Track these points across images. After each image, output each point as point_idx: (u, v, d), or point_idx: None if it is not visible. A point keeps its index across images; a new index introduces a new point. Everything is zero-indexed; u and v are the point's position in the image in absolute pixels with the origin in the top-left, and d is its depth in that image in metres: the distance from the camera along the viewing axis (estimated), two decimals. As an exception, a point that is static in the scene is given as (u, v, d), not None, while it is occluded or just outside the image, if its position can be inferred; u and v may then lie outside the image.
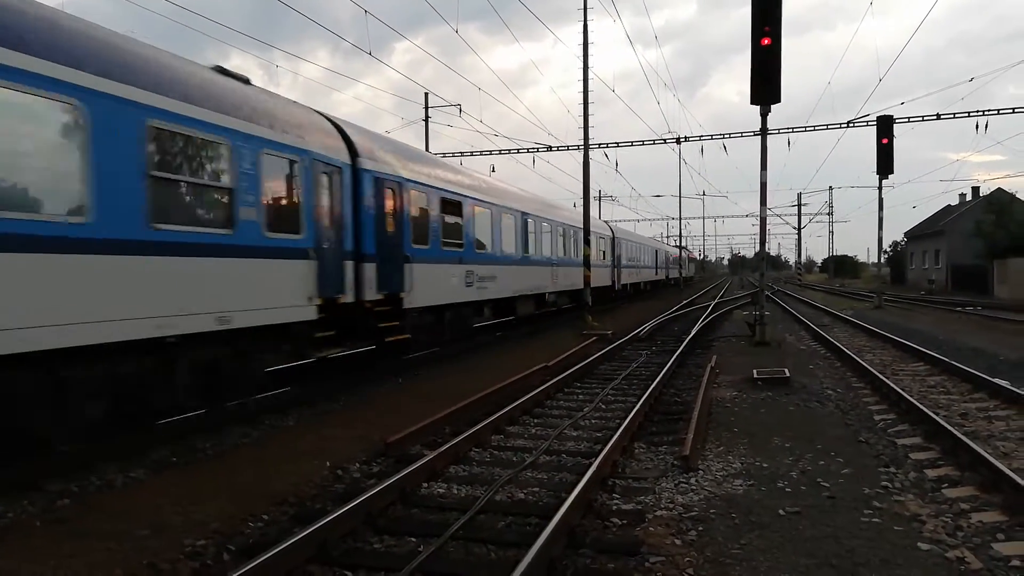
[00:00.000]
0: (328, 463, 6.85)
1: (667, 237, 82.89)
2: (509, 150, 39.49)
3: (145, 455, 7.12)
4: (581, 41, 22.69)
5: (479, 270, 15.71)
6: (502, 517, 5.43)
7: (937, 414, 8.37)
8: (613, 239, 32.83)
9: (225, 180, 8.08)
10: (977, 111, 31.36)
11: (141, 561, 4.57)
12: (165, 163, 7.30)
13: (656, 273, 49.72)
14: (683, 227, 66.06)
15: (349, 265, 10.58)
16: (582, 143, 23.60)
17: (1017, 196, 53.83)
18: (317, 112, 11.06)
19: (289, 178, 9.37)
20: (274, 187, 9.03)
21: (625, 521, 5.32)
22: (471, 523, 5.20)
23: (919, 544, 4.86)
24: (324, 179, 10.05)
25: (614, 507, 5.66)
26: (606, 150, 38.15)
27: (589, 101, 22.98)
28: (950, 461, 6.79)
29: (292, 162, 9.34)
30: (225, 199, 8.11)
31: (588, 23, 22.55)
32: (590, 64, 22.77)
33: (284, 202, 9.29)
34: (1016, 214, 50.36)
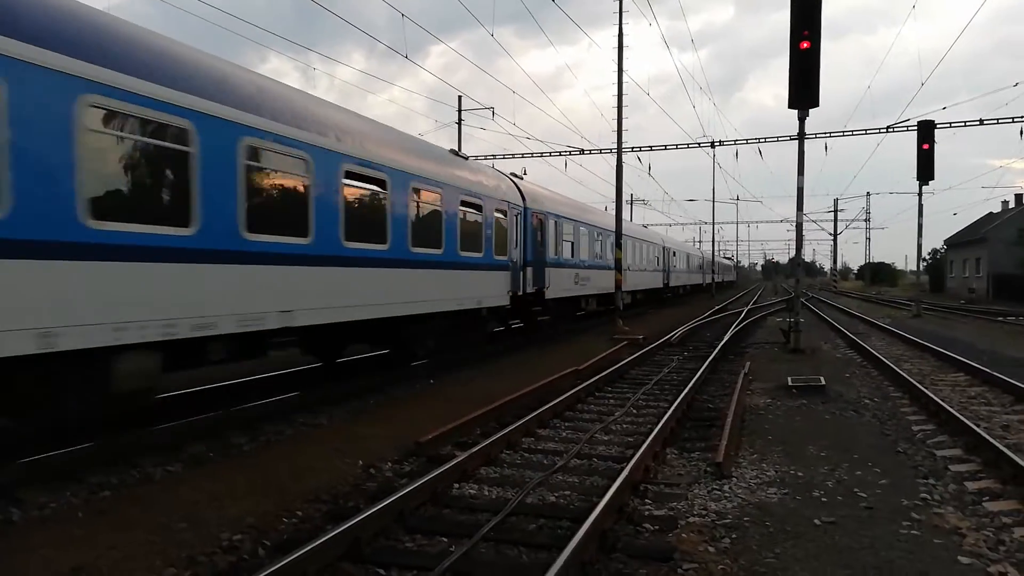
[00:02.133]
0: (360, 461, 6.91)
1: (699, 242, 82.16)
2: (541, 153, 39.51)
3: (182, 449, 7.25)
4: (616, 44, 22.62)
5: (583, 273, 21.69)
6: (533, 519, 5.42)
7: (978, 425, 8.18)
8: (663, 247, 37.57)
9: (488, 229, 14.12)
10: (1021, 116, 30.58)
11: (180, 554, 4.66)
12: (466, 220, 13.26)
13: (701, 278, 54.49)
14: (716, 232, 65.48)
15: (522, 272, 16.32)
16: (615, 146, 23.50)
17: (1063, 204, 52.41)
18: (506, 175, 17.22)
19: (505, 221, 15.29)
20: (500, 228, 14.92)
21: (658, 527, 5.28)
22: (502, 524, 5.20)
23: (959, 558, 4.76)
24: (514, 220, 15.88)
25: (646, 512, 5.63)
26: (639, 153, 38.03)
27: (623, 104, 22.89)
28: (991, 474, 6.63)
29: (506, 212, 15.21)
30: (483, 236, 13.97)
31: (623, 26, 22.48)
32: (625, 67, 22.68)
33: (503, 236, 15.15)
34: (1061, 222, 48.97)
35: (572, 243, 20.56)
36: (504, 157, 41.04)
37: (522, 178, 18.84)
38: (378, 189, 10.22)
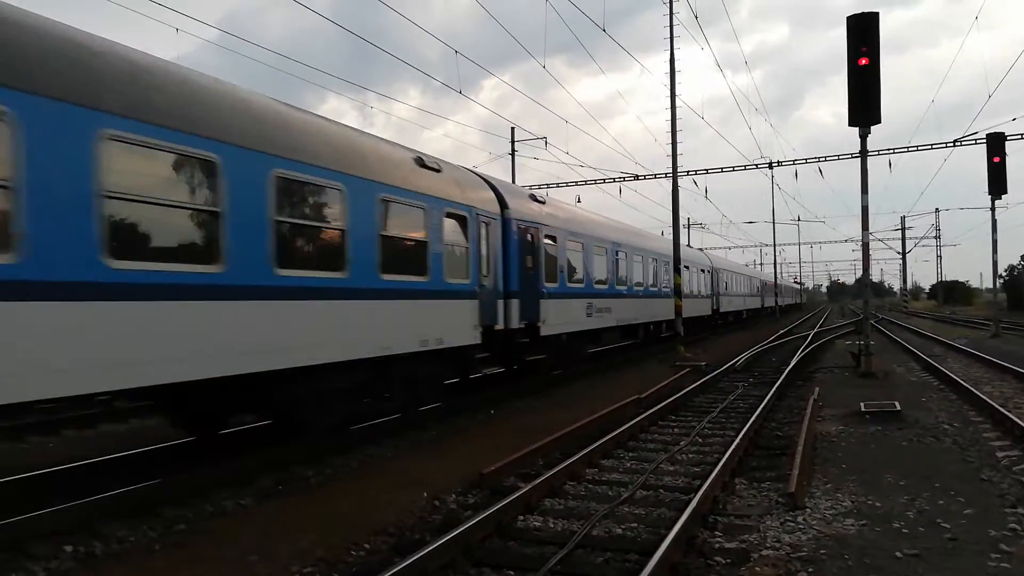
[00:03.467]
0: (425, 493, 6.93)
1: (760, 264, 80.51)
2: (595, 180, 39.57)
3: (252, 483, 7.41)
4: (668, 70, 22.61)
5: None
6: (600, 552, 5.34)
7: (1070, 451, 7.73)
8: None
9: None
10: (1100, 124, 29.23)
11: (252, 586, 4.74)
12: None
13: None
14: (778, 254, 64.07)
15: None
16: (670, 171, 23.37)
17: None
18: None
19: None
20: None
21: (729, 560, 5.13)
22: (569, 557, 5.14)
23: (1057, 593, 4.48)
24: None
25: (717, 545, 5.48)
26: (695, 177, 37.67)
27: (677, 129, 22.79)
28: (1087, 503, 6.24)
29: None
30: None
31: (675, 51, 22.48)
32: (677, 92, 22.62)
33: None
34: None
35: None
36: (559, 186, 41.20)
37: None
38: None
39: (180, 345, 6.39)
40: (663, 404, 11.52)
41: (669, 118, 22.73)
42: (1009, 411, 10.30)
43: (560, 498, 6.82)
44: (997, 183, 25.50)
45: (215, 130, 6.91)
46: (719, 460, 7.49)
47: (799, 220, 71.06)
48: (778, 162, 37.70)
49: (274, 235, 7.49)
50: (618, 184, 38.68)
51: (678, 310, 22.45)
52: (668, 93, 22.64)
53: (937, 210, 72.54)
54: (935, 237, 73.04)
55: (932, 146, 33.20)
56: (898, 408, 10.91)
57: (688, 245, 37.32)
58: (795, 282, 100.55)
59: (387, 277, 9.30)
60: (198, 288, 6.63)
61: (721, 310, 35.10)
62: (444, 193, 10.86)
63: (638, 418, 10.18)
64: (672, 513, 6.06)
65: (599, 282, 17.82)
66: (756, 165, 37.40)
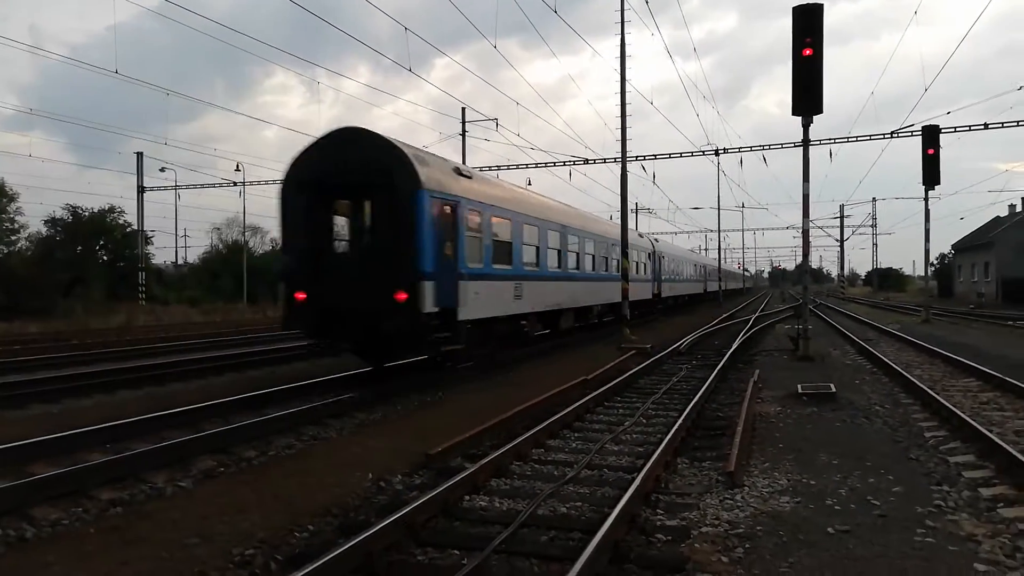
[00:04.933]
0: (370, 475, 6.90)
1: (705, 250, 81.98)
2: (546, 163, 39.62)
3: (192, 464, 7.26)
4: (619, 55, 22.69)
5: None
6: (545, 531, 5.40)
7: (991, 431, 8.11)
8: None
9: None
10: (1027, 120, 30.53)
11: (192, 569, 4.66)
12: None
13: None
14: (722, 239, 65.32)
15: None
16: (619, 156, 23.54)
17: (1070, 207, 52.21)
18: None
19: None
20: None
21: (670, 537, 5.25)
22: (514, 537, 5.18)
23: (976, 565, 4.71)
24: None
25: (658, 523, 5.60)
26: (643, 162, 38.06)
27: (627, 114, 22.94)
28: (1006, 480, 6.57)
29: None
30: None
31: (626, 36, 22.55)
32: (628, 77, 22.73)
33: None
34: (1069, 225, 48.77)
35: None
36: (508, 168, 41.11)
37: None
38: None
39: (511, 298, 15.11)
40: (609, 385, 11.68)
41: (619, 103, 22.87)
42: (937, 393, 10.76)
43: (507, 478, 6.87)
44: (931, 174, 26.41)
45: (513, 208, 15.68)
46: (662, 440, 7.64)
47: (743, 207, 72.53)
48: (724, 149, 38.35)
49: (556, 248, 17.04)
50: (568, 168, 38.85)
51: (625, 293, 22.71)
52: (619, 78, 22.74)
53: (874, 199, 74.96)
54: (872, 225, 75.52)
55: (871, 137, 34.25)
56: (833, 390, 11.29)
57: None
58: (741, 269, 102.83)
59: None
60: (509, 275, 15.03)
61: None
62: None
63: (584, 399, 10.29)
64: (616, 492, 6.16)
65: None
66: (703, 152, 37.97)
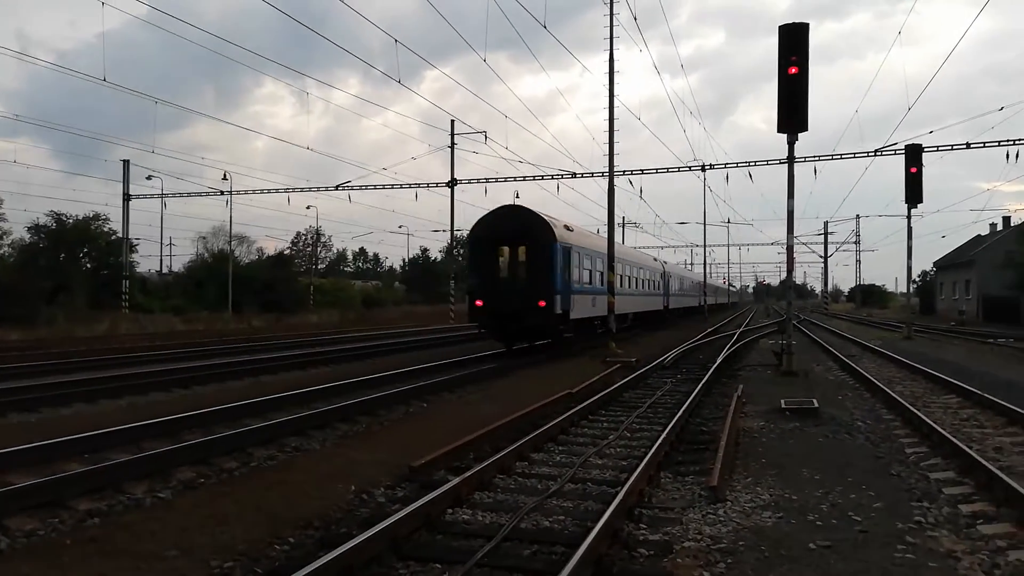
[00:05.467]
0: (353, 487, 6.86)
1: (690, 264, 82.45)
2: (534, 177, 39.76)
3: (172, 476, 7.19)
4: (607, 70, 22.86)
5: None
6: (528, 545, 5.38)
7: (971, 448, 8.18)
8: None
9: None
10: (1008, 140, 31.05)
11: (169, 582, 4.60)
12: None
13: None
14: (708, 254, 65.73)
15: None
16: (607, 170, 23.67)
17: (1049, 226, 52.91)
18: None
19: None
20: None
21: (652, 552, 5.25)
22: (496, 550, 5.16)
23: (955, 582, 4.74)
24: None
25: (641, 537, 5.60)
26: (631, 177, 38.29)
27: (615, 129, 23.10)
28: (985, 496, 6.62)
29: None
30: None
31: (614, 52, 22.76)
32: (616, 92, 22.91)
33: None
34: (1049, 244, 49.36)
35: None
36: (497, 181, 41.24)
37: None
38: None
39: (591, 306, 22.68)
40: (594, 399, 11.69)
41: (607, 118, 23.02)
42: (918, 409, 10.85)
43: (490, 491, 6.85)
44: (913, 192, 26.75)
45: (595, 247, 23.38)
46: (646, 454, 7.64)
47: (729, 222, 72.88)
48: (711, 165, 38.69)
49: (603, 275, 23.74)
50: (556, 181, 39.02)
51: (611, 307, 22.77)
52: (607, 93, 22.90)
53: (858, 216, 75.87)
54: (855, 242, 76.33)
55: (855, 155, 34.65)
56: (816, 405, 11.35)
57: (650, 255, 43.55)
58: (727, 284, 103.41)
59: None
60: (592, 291, 22.89)
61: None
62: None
63: (569, 412, 10.29)
64: (599, 506, 6.15)
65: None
66: (690, 167, 38.26)
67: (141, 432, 8.79)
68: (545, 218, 20.30)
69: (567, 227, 21.59)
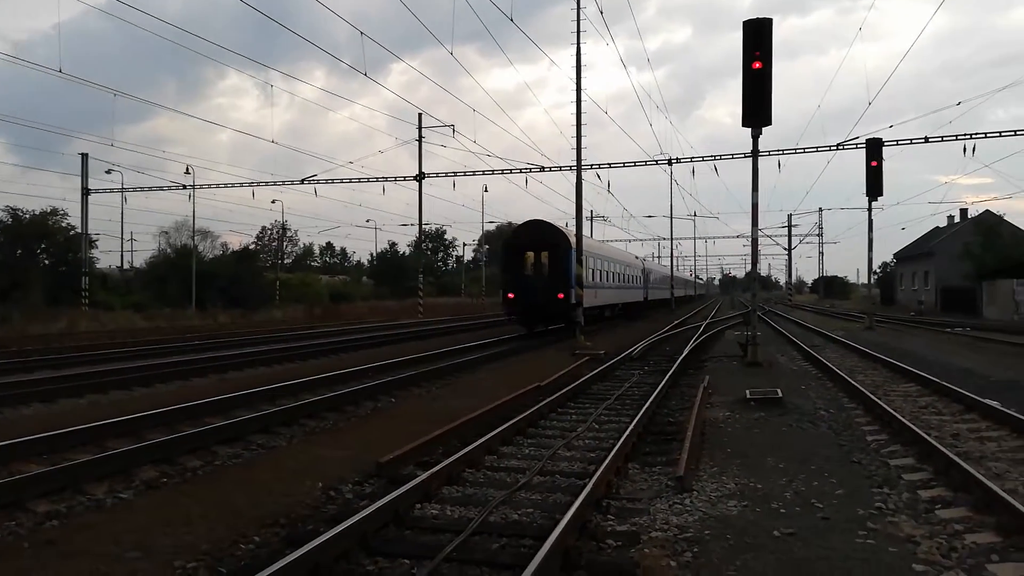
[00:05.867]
0: (320, 484, 6.80)
1: (658, 257, 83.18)
2: (502, 170, 39.73)
3: (134, 475, 7.05)
4: (574, 64, 22.89)
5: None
6: (496, 538, 5.38)
7: (929, 435, 8.38)
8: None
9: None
10: (965, 134, 31.79)
11: (131, 583, 4.51)
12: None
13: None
14: (674, 247, 66.33)
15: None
16: (575, 164, 23.72)
17: (1004, 218, 54.43)
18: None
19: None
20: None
21: (620, 542, 5.28)
22: (465, 545, 5.15)
23: (914, 566, 4.85)
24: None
25: (609, 528, 5.63)
26: (598, 171, 38.45)
27: (582, 123, 23.17)
28: (943, 482, 6.79)
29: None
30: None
31: (582, 46, 22.80)
32: (584, 86, 22.96)
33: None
34: (1003, 236, 50.79)
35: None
36: (465, 174, 41.09)
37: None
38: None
39: (594, 297, 27.72)
40: (562, 392, 11.73)
41: (575, 112, 23.05)
42: (879, 398, 11.08)
43: (459, 485, 6.84)
44: (874, 185, 27.26)
45: (599, 253, 31.22)
46: (614, 446, 7.69)
47: (695, 215, 73.45)
48: (677, 159, 39.04)
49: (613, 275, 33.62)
50: (524, 175, 39.03)
51: (580, 299, 22.88)
52: (575, 87, 22.94)
53: (821, 209, 77.17)
54: (818, 235, 77.68)
55: (818, 149, 35.18)
56: (780, 395, 11.54)
57: (614, 242, 50.63)
58: (696, 277, 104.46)
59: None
60: (600, 286, 30.17)
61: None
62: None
63: (537, 405, 10.32)
64: (567, 498, 6.18)
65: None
66: (656, 161, 38.53)
67: (102, 431, 8.60)
68: (563, 230, 26.32)
69: (577, 236, 26.07)
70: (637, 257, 49.11)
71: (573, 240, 23.64)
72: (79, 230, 43.57)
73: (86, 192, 43.02)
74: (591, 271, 27.39)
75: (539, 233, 25.97)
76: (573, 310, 23.20)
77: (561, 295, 24.27)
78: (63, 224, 44.62)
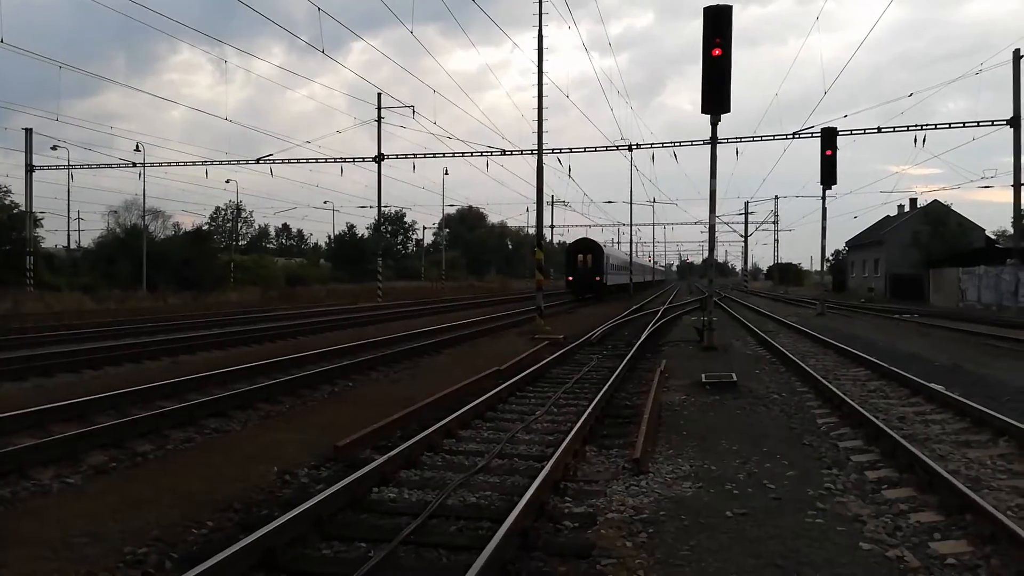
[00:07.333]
0: (275, 468, 6.71)
1: (617, 243, 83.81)
2: (463, 153, 39.49)
3: (82, 460, 6.87)
4: (536, 47, 22.81)
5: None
6: (454, 521, 5.39)
7: (877, 418, 8.62)
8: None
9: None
10: (916, 125, 32.59)
11: (79, 570, 4.40)
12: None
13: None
14: (634, 233, 66.95)
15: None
16: (536, 148, 23.69)
17: (952, 208, 56.06)
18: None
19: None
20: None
21: (577, 524, 5.33)
22: (422, 528, 5.14)
23: (861, 544, 4.99)
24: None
25: (566, 510, 5.68)
26: (559, 156, 38.50)
27: (544, 107, 23.15)
28: (889, 463, 7.00)
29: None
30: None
31: (544, 29, 22.77)
32: (546, 70, 22.94)
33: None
34: (951, 226, 52.36)
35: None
36: (425, 156, 40.76)
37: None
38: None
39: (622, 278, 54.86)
40: (522, 375, 11.76)
41: (536, 95, 22.99)
42: (829, 382, 11.36)
43: (417, 469, 6.81)
44: (829, 174, 27.78)
45: (620, 261, 57.33)
46: (571, 429, 7.74)
47: (654, 202, 74.03)
48: (637, 145, 39.27)
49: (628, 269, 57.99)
50: (485, 158, 38.86)
51: (540, 285, 22.94)
52: (536, 71, 22.86)
53: (776, 197, 78.31)
54: (774, 222, 78.91)
55: (774, 137, 35.70)
56: (735, 379, 11.74)
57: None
58: (658, 265, 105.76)
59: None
60: (619, 273, 55.08)
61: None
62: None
63: (496, 389, 10.33)
64: (525, 481, 6.20)
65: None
66: (617, 147, 38.72)
67: (48, 415, 8.34)
68: (600, 243, 48.04)
69: (606, 245, 47.46)
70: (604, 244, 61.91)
71: (605, 249, 47.51)
72: (23, 208, 42.11)
73: (30, 169, 41.53)
74: (613, 264, 49.97)
75: (586, 244, 47.13)
76: (603, 286, 45.59)
77: (598, 278, 45.10)
78: (6, 202, 43.09)
